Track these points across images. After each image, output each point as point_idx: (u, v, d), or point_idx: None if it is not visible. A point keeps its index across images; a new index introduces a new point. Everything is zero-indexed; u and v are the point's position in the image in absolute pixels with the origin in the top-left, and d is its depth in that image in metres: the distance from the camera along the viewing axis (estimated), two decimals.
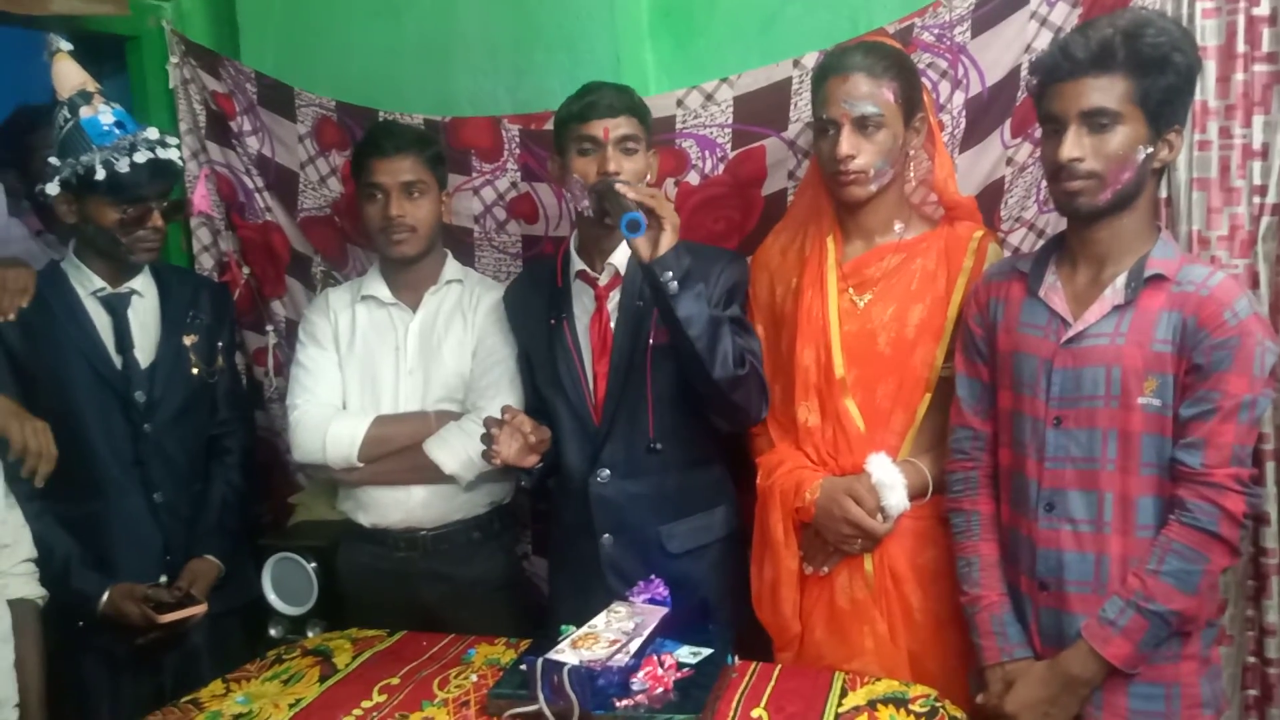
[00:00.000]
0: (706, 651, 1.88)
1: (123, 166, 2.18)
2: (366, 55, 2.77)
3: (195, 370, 2.42)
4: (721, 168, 2.44)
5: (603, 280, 2.23)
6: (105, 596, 2.24)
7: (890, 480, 1.98)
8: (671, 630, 1.92)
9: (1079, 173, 1.71)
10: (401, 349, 2.41)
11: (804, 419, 2.08)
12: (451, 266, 2.47)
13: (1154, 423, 1.73)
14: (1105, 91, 1.69)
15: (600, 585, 2.14)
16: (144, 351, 2.37)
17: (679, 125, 2.43)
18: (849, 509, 1.98)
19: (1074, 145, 1.71)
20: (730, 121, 2.41)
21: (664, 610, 1.95)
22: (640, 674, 1.78)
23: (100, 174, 2.18)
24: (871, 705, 1.78)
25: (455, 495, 2.36)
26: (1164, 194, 2.15)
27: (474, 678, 1.96)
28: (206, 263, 2.90)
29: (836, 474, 2.05)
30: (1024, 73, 2.23)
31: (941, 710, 1.78)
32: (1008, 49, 2.25)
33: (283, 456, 2.82)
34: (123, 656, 2.30)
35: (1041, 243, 2.20)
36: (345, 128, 2.71)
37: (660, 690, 1.76)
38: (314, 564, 2.47)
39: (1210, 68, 2.10)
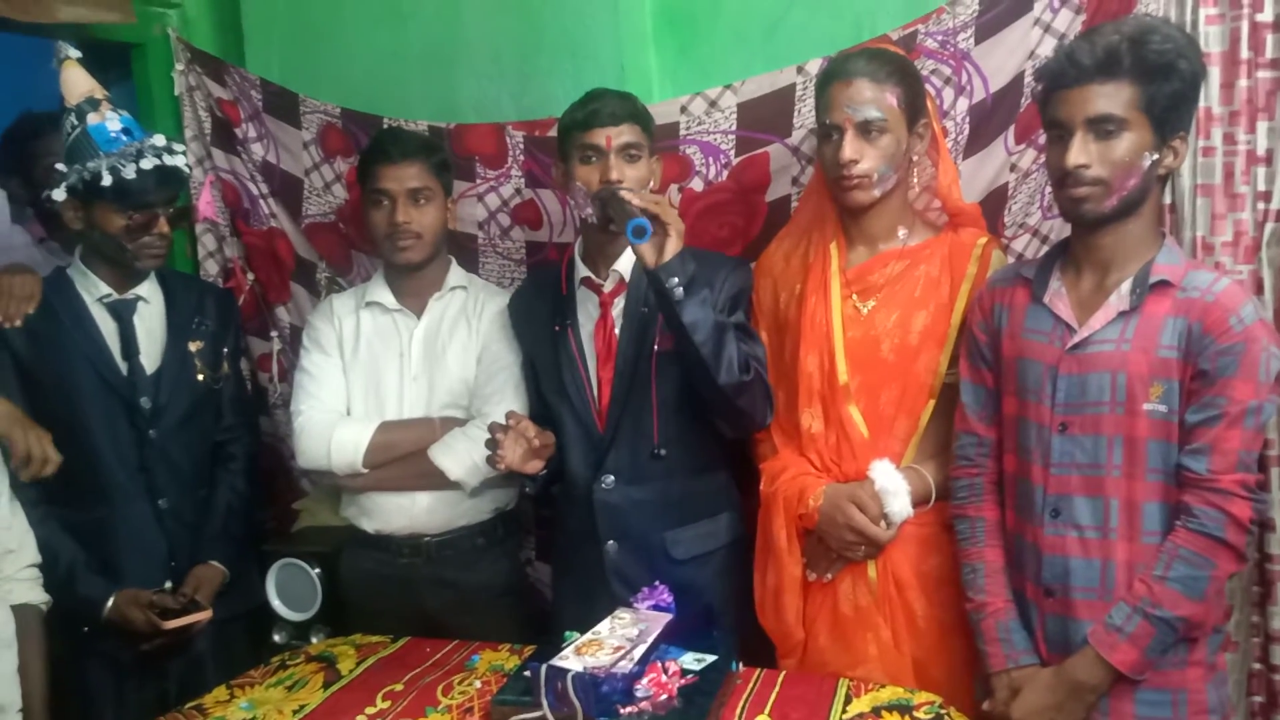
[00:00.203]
0: (710, 658, 1.88)
1: (129, 173, 2.18)
2: (371, 62, 2.78)
3: (200, 376, 2.42)
4: (725, 174, 2.44)
5: (607, 287, 2.23)
6: (110, 602, 2.24)
7: (894, 487, 1.98)
8: (676, 637, 1.92)
9: (1085, 179, 1.71)
10: (406, 355, 2.41)
11: (807, 425, 2.08)
12: (456, 273, 2.47)
13: (1159, 429, 1.72)
14: (1111, 98, 1.69)
15: (604, 591, 2.14)
16: (149, 358, 2.37)
17: (683, 132, 2.43)
18: (852, 516, 1.98)
19: (1080, 152, 1.71)
20: (734, 128, 2.41)
21: (668, 617, 1.94)
22: (644, 680, 1.78)
23: (107, 180, 2.18)
24: (876, 712, 1.78)
25: (460, 501, 2.36)
26: (1168, 200, 2.15)
27: (478, 684, 1.96)
28: (211, 269, 2.91)
29: (840, 480, 2.05)
30: (1028, 79, 2.24)
31: (946, 717, 1.77)
32: (1011, 55, 2.25)
33: (287, 462, 2.82)
34: (127, 662, 2.30)
35: (1045, 249, 2.20)
36: (350, 134, 2.72)
37: (664, 697, 1.75)
38: (318, 570, 2.47)
39: (1214, 74, 2.10)
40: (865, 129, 1.96)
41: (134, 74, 2.96)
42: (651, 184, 2.20)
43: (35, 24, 2.54)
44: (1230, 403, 1.67)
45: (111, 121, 2.23)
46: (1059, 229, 2.25)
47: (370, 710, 1.89)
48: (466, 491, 2.34)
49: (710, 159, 2.44)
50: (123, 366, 2.34)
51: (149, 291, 2.41)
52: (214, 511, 2.44)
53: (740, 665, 1.94)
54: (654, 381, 2.17)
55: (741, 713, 1.79)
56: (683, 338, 1.99)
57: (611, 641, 1.85)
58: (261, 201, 2.87)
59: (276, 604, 2.51)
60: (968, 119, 2.29)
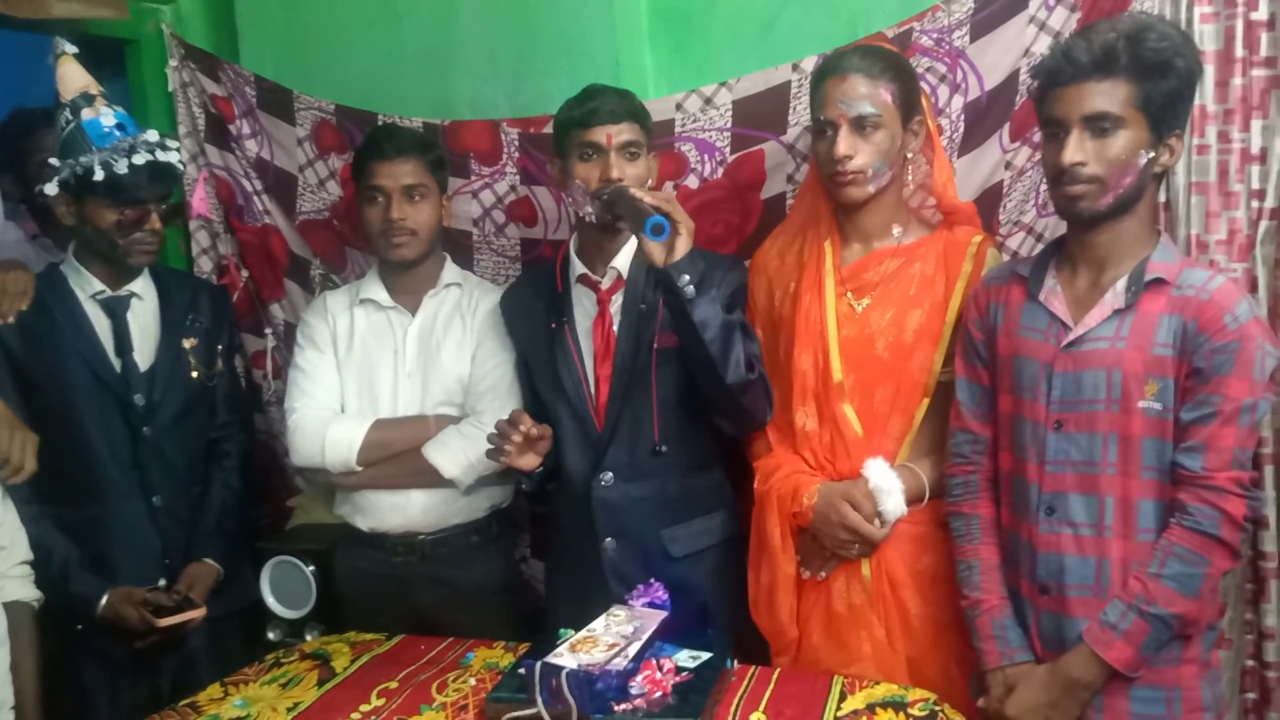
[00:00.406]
0: (705, 655, 1.88)
1: (121, 168, 2.18)
2: (366, 59, 2.77)
3: (194, 373, 2.42)
4: (720, 171, 2.44)
5: (605, 284, 2.22)
6: (104, 600, 2.24)
7: (888, 485, 1.98)
8: (670, 634, 1.92)
9: (1081, 177, 1.71)
10: (400, 352, 2.41)
11: (801, 424, 2.08)
12: (450, 270, 2.47)
13: (1155, 426, 1.73)
14: (1108, 96, 1.69)
15: (601, 589, 2.14)
16: (143, 354, 2.36)
17: (678, 129, 2.43)
18: (846, 514, 1.98)
19: (1076, 149, 1.71)
20: (729, 125, 2.41)
21: (663, 614, 1.95)
22: (639, 678, 1.78)
23: (99, 175, 2.18)
24: (870, 709, 1.78)
25: (454, 499, 2.36)
26: (1162, 198, 2.15)
27: (472, 681, 1.95)
28: (205, 266, 2.90)
29: (834, 479, 2.05)
30: (1023, 77, 2.24)
31: (940, 714, 1.77)
32: (1006, 53, 2.25)
33: (281, 460, 2.82)
34: (121, 660, 2.30)
35: (1040, 247, 2.20)
36: (344, 131, 2.71)
37: (659, 694, 1.75)
38: (312, 567, 2.46)
39: (1209, 72, 2.11)
40: (860, 124, 1.96)
41: (128, 70, 2.95)
42: (650, 182, 2.20)
43: (29, 20, 2.53)
44: (1225, 400, 1.68)
45: (106, 117, 2.22)
46: (1054, 227, 2.25)
47: (365, 708, 1.89)
48: (460, 490, 2.34)
49: (705, 156, 2.44)
50: (116, 363, 2.33)
51: (143, 288, 2.40)
52: (208, 509, 2.43)
53: (735, 662, 1.94)
54: (654, 378, 2.16)
55: (736, 710, 1.79)
56: (692, 336, 1.99)
57: (606, 639, 1.85)
58: (255, 198, 2.87)
59: (271, 601, 2.51)
60: (963, 116, 2.29)
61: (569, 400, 2.22)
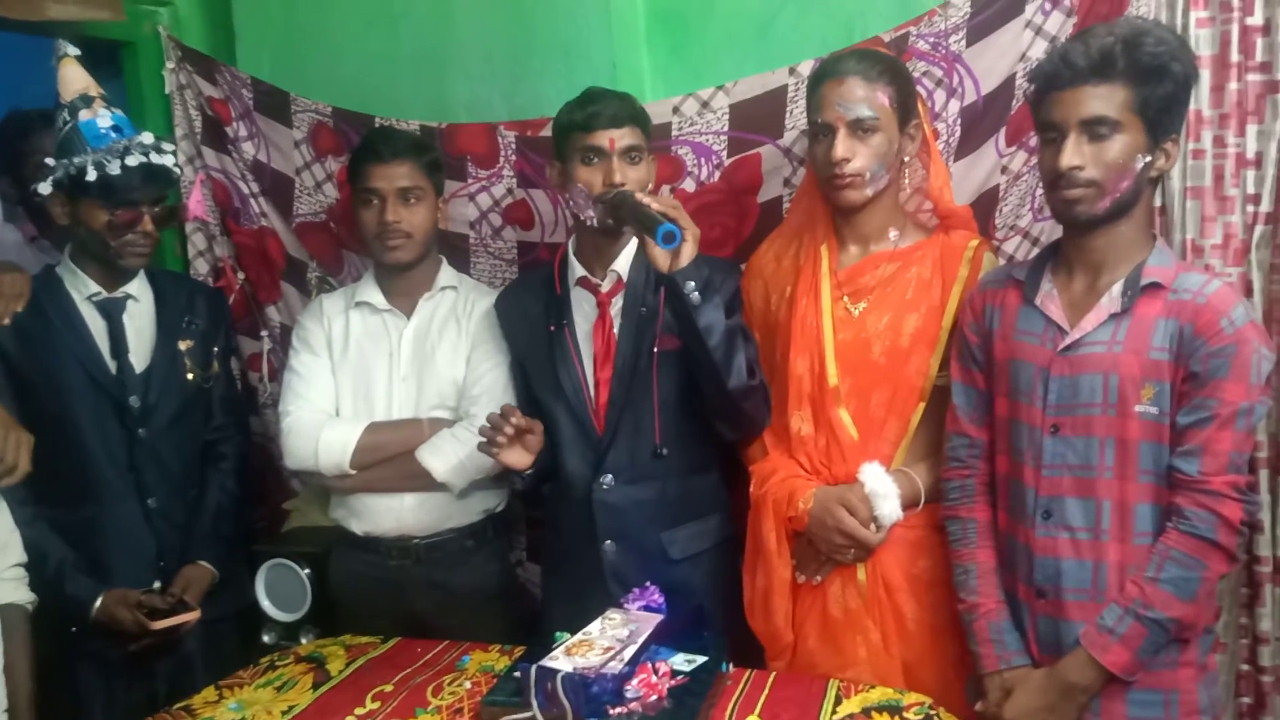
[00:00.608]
0: (701, 659, 1.88)
1: (114, 169, 2.18)
2: (363, 62, 2.77)
3: (190, 376, 2.42)
4: (717, 175, 2.45)
5: (605, 286, 2.22)
6: (98, 602, 2.23)
7: (883, 490, 1.98)
8: (666, 637, 1.91)
9: (1078, 181, 1.71)
10: (395, 355, 2.40)
11: (797, 428, 2.08)
12: (446, 273, 2.47)
13: (1151, 430, 1.73)
14: (1105, 100, 1.69)
15: (600, 591, 2.13)
16: (139, 356, 2.36)
17: (675, 132, 2.43)
18: (842, 519, 1.98)
19: (1074, 153, 1.71)
20: (726, 129, 2.41)
21: (659, 617, 1.94)
22: (634, 681, 1.77)
23: (91, 175, 2.18)
24: (866, 713, 1.78)
25: (448, 503, 2.36)
26: (1158, 203, 2.16)
27: (468, 685, 1.95)
28: (202, 268, 2.90)
29: (829, 483, 2.04)
30: (1019, 81, 2.24)
31: (936, 718, 1.77)
32: (1003, 57, 2.25)
33: (277, 462, 2.80)
34: (116, 662, 2.29)
35: (1036, 251, 2.21)
36: (341, 134, 2.71)
37: (654, 698, 1.75)
38: (308, 570, 2.46)
39: (1204, 77, 2.11)
40: (857, 128, 1.96)
41: (125, 72, 2.94)
42: (649, 185, 2.20)
43: (25, 22, 2.53)
44: (1221, 404, 1.68)
45: (103, 118, 2.22)
46: (1050, 231, 2.25)
47: (360, 711, 1.89)
48: (454, 493, 2.33)
49: (702, 160, 2.44)
50: (112, 365, 2.33)
51: (139, 290, 2.40)
52: (203, 511, 2.43)
53: (731, 666, 1.93)
54: (655, 381, 2.16)
55: (731, 713, 1.79)
56: (696, 342, 1.99)
57: (602, 642, 1.85)
58: (252, 200, 2.87)
59: (266, 604, 2.51)
60: (959, 121, 2.30)
61: (569, 403, 2.22)
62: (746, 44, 2.52)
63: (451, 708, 1.87)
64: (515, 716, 1.74)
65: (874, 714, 1.77)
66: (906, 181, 2.12)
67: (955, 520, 1.96)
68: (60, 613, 2.21)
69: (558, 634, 1.92)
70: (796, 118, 2.35)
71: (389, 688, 1.97)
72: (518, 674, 1.80)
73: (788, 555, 2.08)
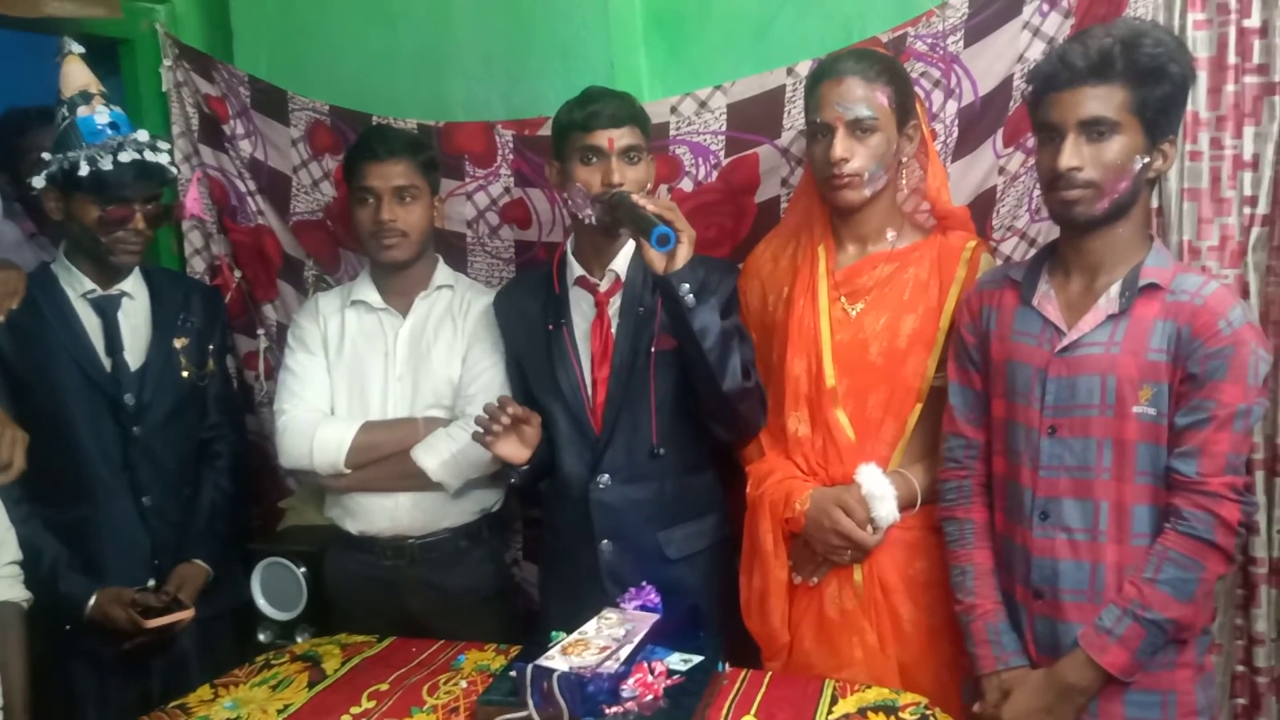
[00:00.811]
0: (697, 658, 1.87)
1: (105, 164, 2.18)
2: (360, 60, 2.77)
3: (185, 374, 2.41)
4: (715, 175, 2.44)
5: (603, 286, 2.22)
6: (92, 601, 2.23)
7: (880, 491, 1.98)
8: (663, 637, 1.91)
9: (1077, 182, 1.71)
10: (391, 354, 2.40)
11: (794, 429, 2.08)
12: (442, 272, 2.46)
13: (1149, 431, 1.73)
14: (1104, 101, 1.69)
15: (596, 591, 2.13)
16: (134, 354, 2.36)
17: (673, 132, 2.43)
18: (839, 520, 1.98)
19: (1073, 154, 1.71)
20: (724, 129, 2.41)
21: (655, 617, 1.94)
22: (630, 681, 1.77)
23: (83, 170, 2.18)
24: (862, 713, 1.78)
25: (443, 503, 2.35)
26: (1155, 204, 2.16)
27: (463, 684, 1.95)
28: (198, 266, 2.89)
29: (826, 484, 2.04)
30: (1016, 82, 2.24)
31: (932, 718, 1.77)
32: (1000, 58, 2.25)
33: (273, 461, 2.79)
34: (111, 661, 2.29)
35: (1033, 252, 2.21)
36: (338, 132, 2.71)
37: (650, 697, 1.75)
38: (303, 569, 2.46)
39: (1201, 79, 2.11)
40: (856, 128, 1.96)
41: (122, 70, 2.94)
42: (648, 185, 2.20)
43: (22, 18, 2.53)
44: (1219, 406, 1.68)
45: (100, 115, 2.22)
46: (1046, 232, 2.26)
47: (355, 710, 1.88)
48: (450, 493, 2.33)
49: (700, 159, 2.44)
50: (106, 363, 2.33)
51: (133, 288, 2.40)
52: (198, 510, 2.43)
53: (727, 665, 1.93)
54: (652, 381, 2.16)
55: (728, 713, 1.79)
56: (691, 344, 1.99)
57: (598, 642, 1.85)
58: (249, 199, 2.86)
59: (261, 603, 2.50)
60: (956, 122, 2.30)
61: (566, 402, 2.21)
62: (744, 45, 2.52)
63: (447, 707, 1.87)
64: (511, 716, 1.73)
65: (870, 714, 1.77)
66: (904, 182, 2.12)
67: (952, 521, 1.96)
68: (54, 611, 2.21)
69: (554, 633, 1.92)
70: (794, 118, 2.35)
71: (384, 687, 1.97)
72: (513, 673, 1.80)
73: (784, 556, 2.08)
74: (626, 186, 2.08)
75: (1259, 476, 2.14)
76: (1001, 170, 2.31)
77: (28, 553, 2.10)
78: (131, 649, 2.25)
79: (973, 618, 1.89)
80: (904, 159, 2.07)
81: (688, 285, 1.93)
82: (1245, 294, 2.14)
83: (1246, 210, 2.15)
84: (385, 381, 2.39)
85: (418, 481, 2.30)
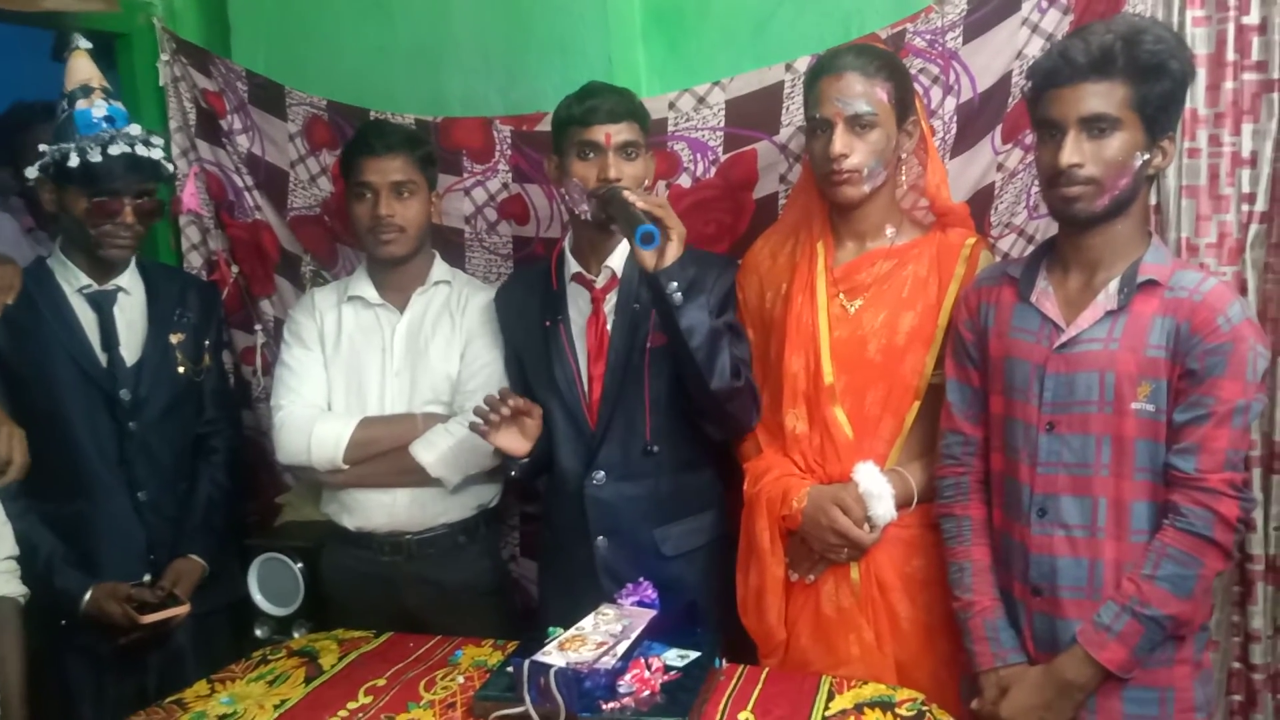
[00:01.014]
0: (694, 654, 1.87)
1: (94, 156, 2.18)
2: (358, 55, 2.76)
3: (182, 369, 2.41)
4: (713, 171, 2.44)
5: (599, 282, 2.22)
6: (88, 596, 2.23)
7: (878, 490, 1.97)
8: (659, 633, 1.91)
9: (1078, 178, 1.71)
10: (388, 350, 2.40)
11: (792, 426, 2.08)
12: (439, 267, 2.46)
13: (1147, 428, 1.73)
14: (1105, 97, 1.69)
15: (593, 587, 2.13)
16: (130, 349, 2.36)
17: (671, 128, 2.43)
18: (836, 518, 1.98)
19: (1073, 150, 1.70)
20: (722, 125, 2.41)
21: (652, 613, 1.94)
22: (627, 676, 1.77)
23: (73, 161, 2.18)
24: (858, 709, 1.78)
25: (441, 499, 2.35)
26: (1153, 201, 2.16)
27: (460, 679, 1.95)
28: (195, 261, 2.89)
29: (824, 481, 2.04)
30: (1015, 79, 2.24)
31: (928, 714, 1.77)
32: (999, 55, 2.25)
33: (270, 456, 2.79)
34: (106, 656, 2.29)
35: (1031, 249, 2.21)
36: (336, 127, 2.70)
37: (647, 693, 1.75)
38: (300, 565, 2.46)
39: (1200, 76, 2.11)
40: (855, 123, 1.95)
41: (119, 64, 2.93)
42: (646, 181, 2.20)
43: (20, 13, 2.53)
44: (1218, 402, 1.68)
45: (98, 109, 2.23)
46: (1045, 229, 2.26)
47: (352, 705, 1.88)
48: (447, 489, 2.33)
49: (698, 155, 2.44)
50: (102, 358, 2.33)
51: (129, 283, 2.39)
52: (194, 505, 2.43)
53: (723, 661, 1.93)
54: (647, 378, 2.16)
55: (724, 709, 1.79)
56: (678, 342, 1.99)
57: (595, 637, 1.85)
58: (246, 194, 2.86)
59: (258, 598, 2.50)
60: (955, 118, 2.30)
61: (562, 398, 2.21)
62: (743, 41, 2.52)
63: (444, 702, 1.87)
64: (508, 711, 1.73)
65: (866, 710, 1.77)
66: (903, 178, 2.11)
67: (950, 518, 1.96)
68: (50, 606, 2.21)
69: (551, 629, 1.92)
70: (793, 114, 2.35)
71: (381, 682, 1.97)
72: (510, 669, 1.80)
73: (781, 554, 2.08)
74: (624, 182, 2.08)
75: (1256, 473, 2.14)
76: (1000, 167, 2.31)
77: (23, 547, 2.10)
78: (127, 644, 2.25)
79: (971, 614, 1.89)
80: (903, 155, 2.06)
81: (676, 283, 1.93)
82: (1243, 291, 2.13)
83: (1245, 207, 2.15)
84: (382, 377, 2.38)
85: (416, 477, 2.30)
